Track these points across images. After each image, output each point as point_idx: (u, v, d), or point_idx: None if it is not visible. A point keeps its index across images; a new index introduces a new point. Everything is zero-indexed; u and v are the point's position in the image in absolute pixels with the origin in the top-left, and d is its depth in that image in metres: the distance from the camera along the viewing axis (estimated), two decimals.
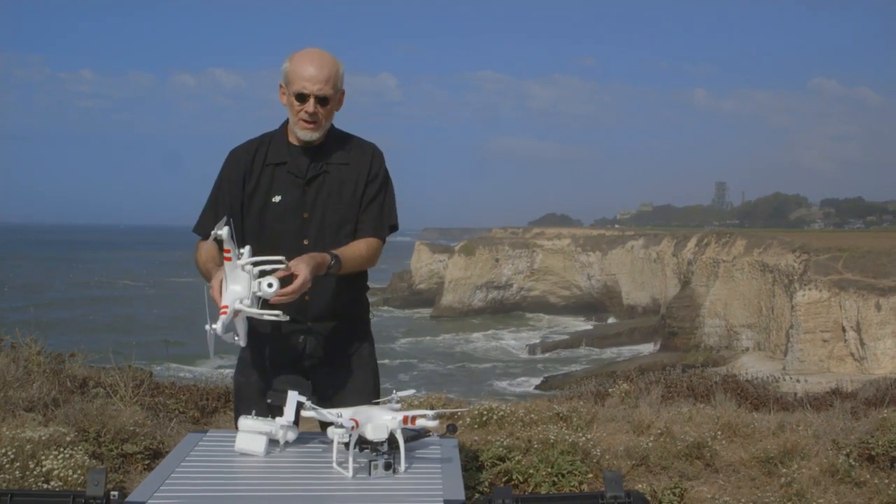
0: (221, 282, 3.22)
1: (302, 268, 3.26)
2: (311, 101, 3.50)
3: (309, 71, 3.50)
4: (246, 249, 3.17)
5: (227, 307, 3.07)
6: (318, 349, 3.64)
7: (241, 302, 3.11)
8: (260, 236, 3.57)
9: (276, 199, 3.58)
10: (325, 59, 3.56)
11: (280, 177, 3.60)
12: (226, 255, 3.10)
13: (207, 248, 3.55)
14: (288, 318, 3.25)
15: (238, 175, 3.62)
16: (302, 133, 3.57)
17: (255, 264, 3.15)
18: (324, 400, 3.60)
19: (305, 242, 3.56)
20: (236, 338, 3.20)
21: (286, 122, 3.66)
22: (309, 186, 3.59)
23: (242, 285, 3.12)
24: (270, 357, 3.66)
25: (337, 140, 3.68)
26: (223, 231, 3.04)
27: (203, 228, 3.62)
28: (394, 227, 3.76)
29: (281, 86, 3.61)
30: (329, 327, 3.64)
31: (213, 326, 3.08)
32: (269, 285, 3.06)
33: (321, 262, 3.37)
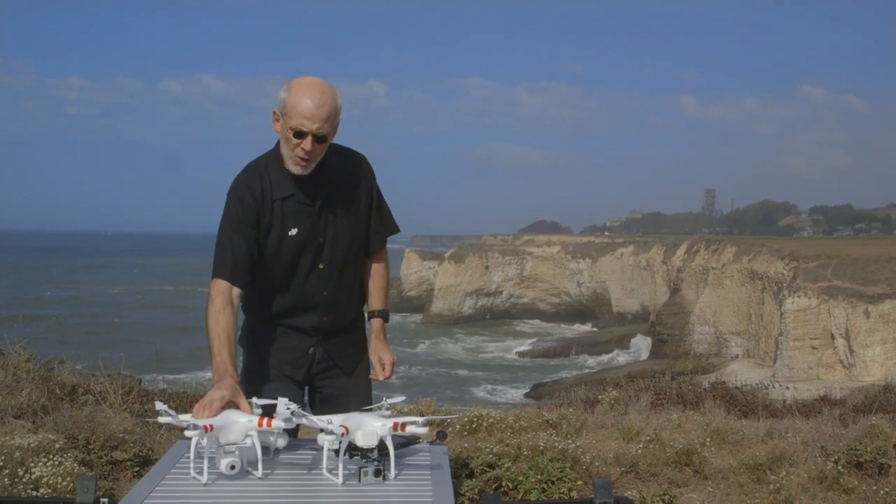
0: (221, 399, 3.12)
1: (387, 355, 3.73)
2: (309, 139, 3.43)
3: (309, 108, 3.39)
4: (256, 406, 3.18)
5: (211, 426, 2.93)
6: (326, 358, 3.75)
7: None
8: (277, 267, 3.61)
9: (293, 231, 3.57)
10: (325, 94, 3.44)
11: (291, 210, 3.57)
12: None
13: (227, 317, 3.41)
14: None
15: (252, 213, 3.53)
16: (294, 169, 3.51)
17: (265, 413, 3.08)
18: (328, 402, 3.69)
19: (321, 266, 3.64)
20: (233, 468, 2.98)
21: (277, 147, 3.59)
22: (321, 215, 3.61)
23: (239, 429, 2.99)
24: (278, 366, 3.71)
25: (330, 159, 3.61)
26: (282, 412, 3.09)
27: (223, 270, 3.49)
28: (397, 230, 3.92)
29: (275, 113, 3.50)
30: (339, 340, 3.77)
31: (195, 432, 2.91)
32: (232, 467, 2.92)
33: (383, 331, 3.82)
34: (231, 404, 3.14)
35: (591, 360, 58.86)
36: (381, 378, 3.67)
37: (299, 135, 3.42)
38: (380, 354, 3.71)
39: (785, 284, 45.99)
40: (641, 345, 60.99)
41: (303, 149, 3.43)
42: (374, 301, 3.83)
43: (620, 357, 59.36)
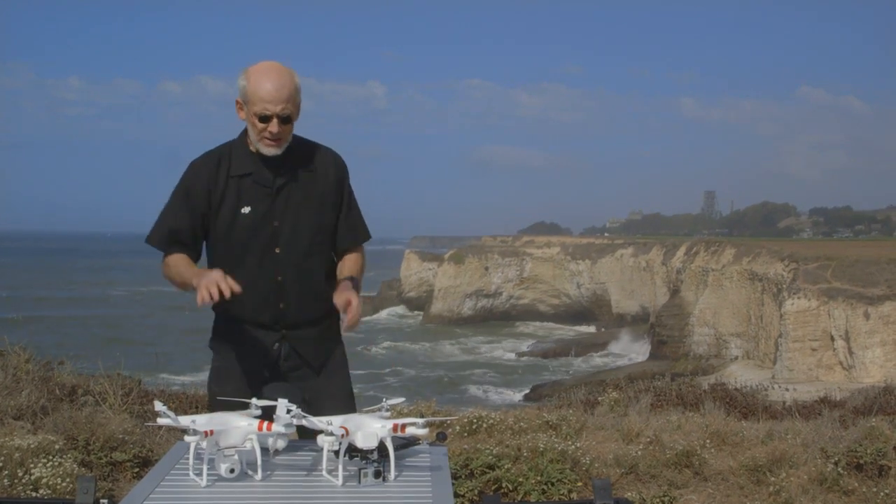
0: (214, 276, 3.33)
1: (353, 295, 3.50)
2: (275, 121, 3.49)
3: (269, 91, 3.46)
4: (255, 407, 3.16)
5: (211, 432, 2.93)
6: (293, 354, 3.68)
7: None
8: (229, 247, 3.61)
9: (245, 210, 3.57)
10: (283, 76, 3.51)
11: (247, 188, 3.59)
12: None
13: (180, 259, 3.58)
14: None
15: (202, 187, 3.59)
16: (266, 150, 3.55)
17: (262, 416, 3.07)
18: (300, 404, 3.65)
19: (277, 251, 3.60)
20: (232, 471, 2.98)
21: (245, 133, 3.64)
22: (277, 195, 3.59)
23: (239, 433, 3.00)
24: (245, 364, 3.67)
25: (298, 147, 3.66)
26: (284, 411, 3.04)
27: (158, 239, 3.64)
28: (368, 237, 3.87)
29: (238, 101, 3.58)
30: (303, 334, 3.68)
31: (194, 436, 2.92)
32: (231, 471, 2.94)
33: (353, 284, 3.59)
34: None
35: (591, 362, 58.88)
36: (346, 322, 3.49)
37: (264, 119, 3.48)
38: (345, 295, 3.51)
39: (785, 286, 46.01)
40: (629, 344, 61.27)
41: (270, 131, 3.50)
42: (345, 272, 3.72)
43: (618, 360, 59.33)
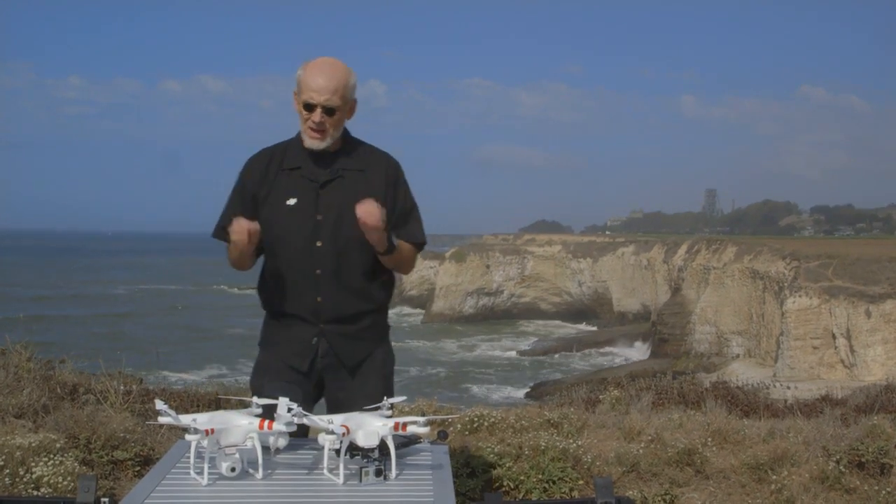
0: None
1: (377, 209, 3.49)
2: (318, 111, 3.57)
3: (318, 81, 3.56)
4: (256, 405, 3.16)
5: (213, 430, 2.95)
6: (330, 351, 3.71)
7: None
8: (274, 237, 3.67)
9: (291, 202, 3.66)
10: (335, 69, 3.61)
11: (295, 181, 3.68)
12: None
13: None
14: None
15: (253, 182, 3.71)
16: (309, 142, 3.64)
17: (262, 415, 3.08)
18: (335, 403, 3.67)
19: (318, 244, 3.64)
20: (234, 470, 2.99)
21: (301, 130, 3.72)
22: (323, 190, 3.66)
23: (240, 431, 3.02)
24: (283, 358, 3.73)
25: (352, 147, 3.75)
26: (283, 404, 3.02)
27: (218, 232, 3.74)
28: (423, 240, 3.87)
29: (294, 93, 3.67)
30: (340, 329, 3.70)
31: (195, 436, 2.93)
32: (232, 469, 2.96)
33: (384, 222, 3.54)
34: None
35: (593, 360, 58.86)
36: (364, 217, 3.49)
37: (308, 107, 3.58)
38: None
39: (786, 284, 45.98)
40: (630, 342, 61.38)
41: (313, 121, 3.58)
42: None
43: (618, 358, 59.32)
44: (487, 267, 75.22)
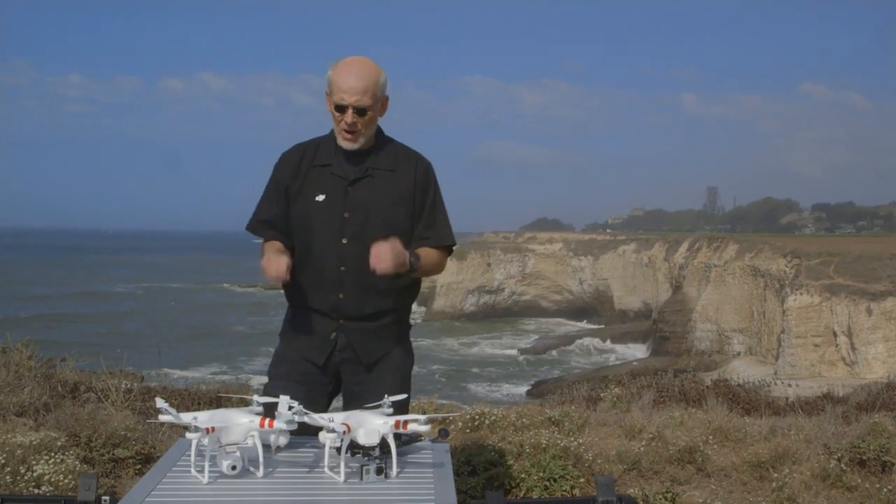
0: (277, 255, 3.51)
1: (394, 244, 3.49)
2: (350, 112, 3.58)
3: (348, 82, 3.57)
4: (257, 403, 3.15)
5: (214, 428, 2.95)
6: (348, 347, 3.72)
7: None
8: (301, 233, 3.70)
9: (320, 198, 3.68)
10: (365, 68, 3.62)
11: (325, 177, 3.70)
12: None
13: (269, 244, 3.71)
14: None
15: (284, 177, 3.74)
16: (343, 143, 3.66)
17: (264, 414, 3.06)
18: (350, 397, 3.68)
19: (344, 241, 3.65)
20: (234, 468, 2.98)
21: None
22: (352, 188, 3.67)
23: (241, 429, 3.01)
24: (301, 351, 3.76)
25: (384, 146, 3.76)
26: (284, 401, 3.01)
27: (252, 226, 3.80)
28: (452, 241, 3.86)
29: (326, 94, 3.68)
30: (360, 326, 3.72)
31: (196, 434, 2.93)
32: (233, 468, 2.96)
33: (403, 255, 3.52)
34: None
35: (594, 358, 58.86)
36: (373, 254, 3.45)
37: (340, 109, 3.60)
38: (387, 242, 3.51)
39: (787, 282, 45.98)
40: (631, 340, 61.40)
41: (346, 122, 3.60)
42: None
43: (620, 356, 59.32)
44: (488, 265, 75.21)
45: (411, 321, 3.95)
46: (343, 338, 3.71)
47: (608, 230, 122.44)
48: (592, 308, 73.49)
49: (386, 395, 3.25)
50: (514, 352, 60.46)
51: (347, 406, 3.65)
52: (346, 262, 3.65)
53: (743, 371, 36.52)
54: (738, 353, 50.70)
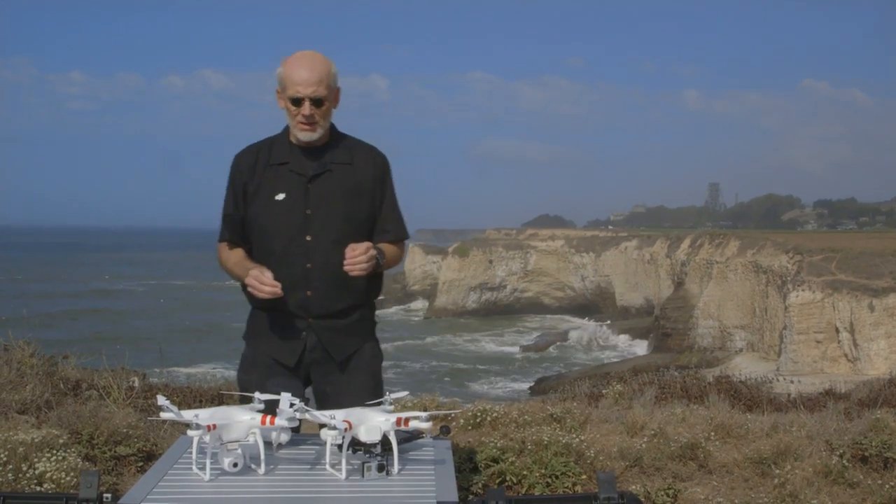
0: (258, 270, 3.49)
1: (365, 245, 3.53)
2: (307, 103, 3.58)
3: (301, 75, 3.58)
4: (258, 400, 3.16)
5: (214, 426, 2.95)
6: (319, 346, 3.70)
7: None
8: (263, 233, 3.69)
9: (279, 196, 3.67)
10: (316, 60, 3.63)
11: (283, 176, 3.69)
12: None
13: (234, 253, 3.73)
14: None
15: (241, 178, 3.73)
16: (301, 135, 3.65)
17: (264, 411, 3.08)
18: (322, 398, 3.67)
19: (308, 238, 3.65)
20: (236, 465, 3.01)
21: (287, 125, 3.74)
22: (312, 184, 3.67)
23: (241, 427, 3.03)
24: (272, 353, 3.74)
25: (339, 141, 3.77)
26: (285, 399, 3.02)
27: (225, 234, 3.79)
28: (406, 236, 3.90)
29: (277, 91, 3.68)
30: (329, 324, 3.70)
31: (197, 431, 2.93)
32: (234, 465, 2.97)
33: (374, 256, 3.56)
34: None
35: (595, 354, 58.85)
36: (348, 258, 3.50)
37: (296, 102, 3.61)
38: (358, 243, 3.56)
39: (789, 278, 45.95)
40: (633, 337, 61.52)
41: (303, 114, 3.60)
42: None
43: (622, 353, 59.31)
44: (490, 262, 75.21)
45: (376, 318, 3.94)
46: (313, 336, 3.69)
47: (610, 227, 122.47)
48: (594, 305, 73.48)
49: (388, 393, 3.25)
50: (515, 349, 60.48)
51: (321, 408, 3.63)
52: (312, 259, 3.64)
53: (745, 367, 36.44)
54: (740, 350, 50.68)
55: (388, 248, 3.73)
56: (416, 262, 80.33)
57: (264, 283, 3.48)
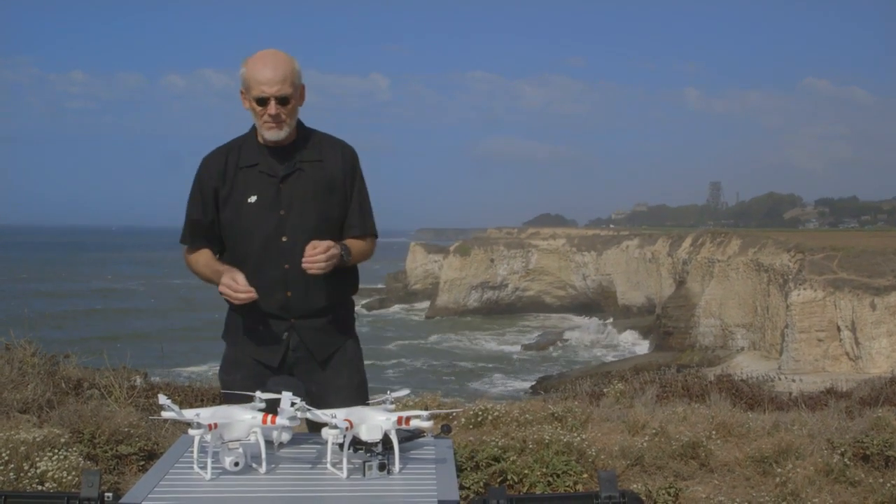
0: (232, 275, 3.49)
1: (327, 243, 3.50)
2: (272, 103, 3.55)
3: (265, 74, 3.55)
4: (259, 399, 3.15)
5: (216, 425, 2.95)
6: (301, 346, 3.70)
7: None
8: (238, 236, 3.67)
9: (252, 199, 3.64)
10: (278, 58, 3.60)
11: (253, 178, 3.66)
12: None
13: (202, 255, 3.73)
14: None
15: (210, 182, 3.68)
16: (269, 134, 3.61)
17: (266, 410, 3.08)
18: (308, 397, 3.65)
19: (284, 239, 3.63)
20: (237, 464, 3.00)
21: (254, 126, 3.70)
22: (283, 184, 3.64)
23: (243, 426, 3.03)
24: (254, 354, 3.72)
25: (307, 138, 3.73)
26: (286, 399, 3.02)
27: (187, 238, 3.78)
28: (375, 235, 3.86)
29: (242, 92, 3.65)
30: (312, 324, 3.70)
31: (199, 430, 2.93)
32: (236, 464, 2.97)
33: (335, 254, 3.52)
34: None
35: (597, 353, 58.84)
36: (306, 256, 3.48)
37: (262, 102, 3.57)
38: (321, 241, 3.54)
39: (791, 277, 45.92)
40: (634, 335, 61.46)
41: (269, 114, 3.57)
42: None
43: (623, 352, 59.28)
44: (492, 261, 75.21)
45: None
46: (296, 337, 3.68)
47: (611, 225, 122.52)
48: (596, 304, 73.45)
49: (389, 392, 3.24)
50: (517, 348, 60.49)
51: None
52: (289, 260, 3.62)
53: (746, 366, 36.49)
54: (742, 349, 50.66)
55: (355, 244, 3.70)
56: (417, 262, 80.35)
57: (238, 290, 3.47)
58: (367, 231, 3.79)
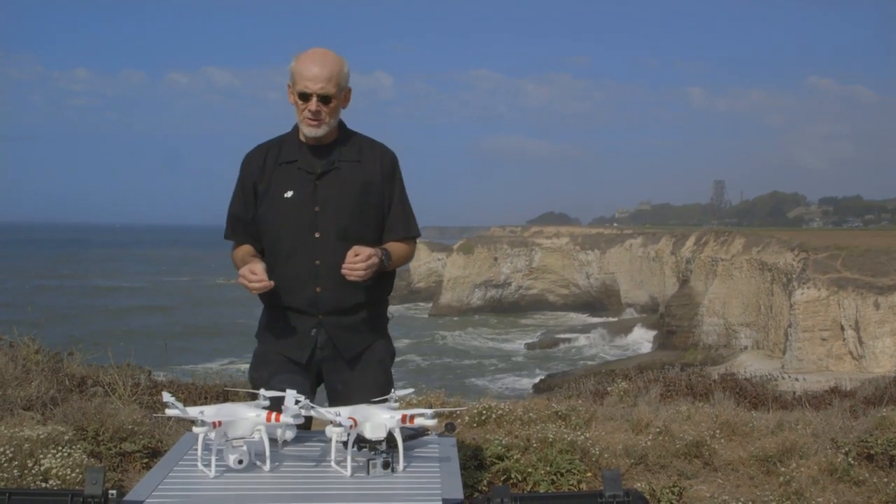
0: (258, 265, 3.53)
1: (368, 249, 3.52)
2: (314, 99, 3.58)
3: (312, 70, 3.59)
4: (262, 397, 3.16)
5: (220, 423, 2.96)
6: (329, 343, 3.70)
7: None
8: (272, 231, 3.70)
9: (289, 194, 3.68)
10: (327, 57, 3.64)
11: (291, 174, 3.70)
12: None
13: (241, 250, 3.79)
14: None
15: (251, 177, 3.75)
16: (307, 130, 3.65)
17: (270, 407, 3.08)
18: (333, 395, 3.67)
19: (317, 235, 3.66)
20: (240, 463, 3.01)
21: (297, 125, 3.74)
22: (320, 181, 3.68)
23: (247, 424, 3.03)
24: (283, 350, 3.74)
25: (348, 138, 3.77)
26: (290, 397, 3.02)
27: (230, 234, 3.87)
28: (417, 234, 3.90)
29: (288, 86, 3.70)
30: (340, 322, 3.70)
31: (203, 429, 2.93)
32: (240, 462, 2.98)
33: (374, 261, 3.55)
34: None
35: (600, 351, 58.80)
36: (347, 262, 3.51)
37: (304, 97, 3.61)
38: (361, 248, 3.55)
39: (794, 276, 45.89)
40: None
41: (309, 110, 3.61)
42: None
43: (627, 350, 59.24)
44: (495, 259, 75.17)
45: (389, 315, 3.94)
46: (323, 334, 3.69)
47: (615, 224, 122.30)
48: (599, 302, 73.42)
49: (393, 390, 3.25)
50: (520, 346, 60.46)
51: (332, 405, 3.63)
52: (320, 257, 3.65)
53: (750, 365, 36.44)
54: (746, 348, 50.63)
55: (395, 248, 3.73)
56: (420, 260, 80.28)
57: (252, 279, 3.50)
58: (410, 233, 3.83)
